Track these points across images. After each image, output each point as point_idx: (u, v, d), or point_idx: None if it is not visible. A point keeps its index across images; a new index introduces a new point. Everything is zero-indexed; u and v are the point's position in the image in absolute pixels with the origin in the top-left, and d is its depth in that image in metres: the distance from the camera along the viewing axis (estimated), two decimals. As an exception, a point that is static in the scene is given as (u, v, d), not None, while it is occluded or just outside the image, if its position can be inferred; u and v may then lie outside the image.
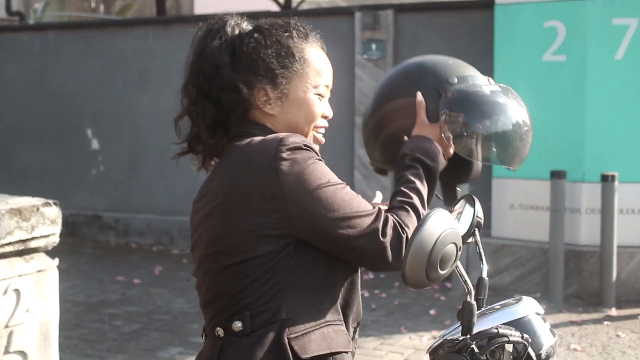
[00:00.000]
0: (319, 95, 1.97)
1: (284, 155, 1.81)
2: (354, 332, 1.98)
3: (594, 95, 6.51)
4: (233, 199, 1.85)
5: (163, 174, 8.58)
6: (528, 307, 1.89)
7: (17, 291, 3.10)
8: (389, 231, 1.82)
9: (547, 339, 1.84)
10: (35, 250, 3.18)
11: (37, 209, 3.13)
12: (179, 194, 8.41)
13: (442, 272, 1.70)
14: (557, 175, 6.29)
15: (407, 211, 1.89)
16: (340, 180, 1.87)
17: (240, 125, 1.94)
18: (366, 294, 6.51)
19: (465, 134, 2.03)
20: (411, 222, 1.87)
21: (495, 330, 1.74)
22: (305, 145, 1.85)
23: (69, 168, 9.19)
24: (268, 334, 1.82)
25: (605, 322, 5.75)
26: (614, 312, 5.95)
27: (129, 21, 10.13)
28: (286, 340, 1.81)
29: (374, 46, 7.62)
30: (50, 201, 3.21)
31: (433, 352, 1.87)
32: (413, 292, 6.68)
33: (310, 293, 1.86)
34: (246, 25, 2.00)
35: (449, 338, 1.81)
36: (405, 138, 2.09)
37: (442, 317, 5.96)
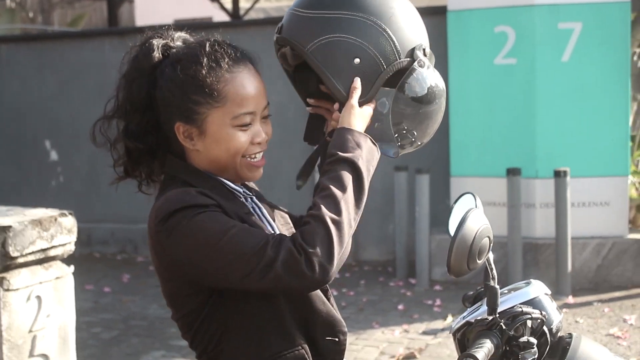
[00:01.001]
0: (241, 126, 1.85)
1: (159, 228, 1.77)
2: (337, 344, 1.92)
3: (543, 96, 6.84)
4: (154, 264, 1.89)
5: (123, 183, 8.69)
6: (538, 289, 2.09)
7: (38, 298, 3.28)
8: (282, 257, 1.68)
9: (556, 316, 2.06)
10: (53, 258, 3.36)
11: (55, 219, 3.31)
12: (140, 202, 8.50)
13: (479, 262, 1.92)
14: (512, 173, 6.57)
15: (312, 225, 1.71)
16: (223, 226, 1.74)
17: (165, 163, 1.93)
18: (335, 292, 6.75)
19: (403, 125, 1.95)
20: (317, 237, 1.69)
21: (520, 309, 1.96)
22: (178, 209, 1.75)
23: (27, 180, 9.22)
24: None
25: (564, 310, 6.08)
26: (570, 299, 6.29)
27: (85, 33, 10.18)
28: None
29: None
30: (66, 212, 3.39)
31: (456, 332, 2.11)
32: (379, 289, 6.96)
33: (253, 331, 1.82)
34: (173, 45, 1.91)
35: (478, 319, 2.02)
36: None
37: (410, 312, 6.22)
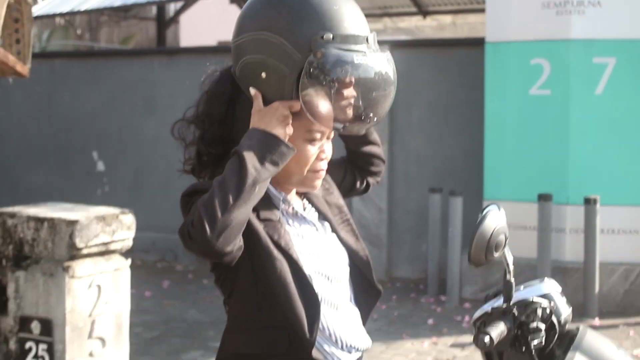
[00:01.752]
0: (311, 140, 2.01)
1: (180, 203, 2.04)
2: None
3: (576, 126, 7.07)
4: None
5: (167, 194, 9.04)
6: (551, 286, 2.33)
7: (98, 286, 3.58)
8: (185, 231, 1.90)
9: (564, 309, 2.28)
10: (113, 251, 3.67)
11: (117, 216, 3.62)
12: (180, 213, 8.87)
13: (496, 255, 2.17)
14: (544, 198, 6.78)
15: (199, 208, 1.88)
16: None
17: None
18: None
19: (317, 103, 1.94)
20: (196, 217, 1.87)
21: (530, 299, 2.21)
22: (189, 192, 2.00)
23: (74, 189, 9.59)
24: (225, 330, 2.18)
25: (589, 332, 6.27)
26: (597, 322, 6.48)
27: (135, 51, 10.57)
28: (224, 337, 2.14)
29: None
30: (126, 210, 3.70)
31: (476, 321, 2.34)
32: (410, 304, 7.19)
33: (247, 302, 2.09)
34: None
35: (494, 306, 2.24)
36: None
37: (440, 326, 6.46)
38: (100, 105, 9.53)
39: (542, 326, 2.12)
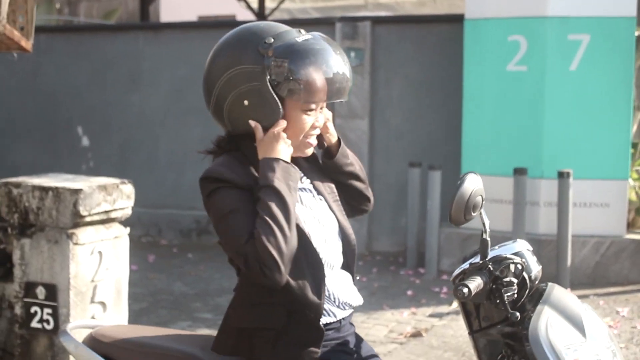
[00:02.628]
0: (308, 111, 2.30)
1: (200, 185, 2.29)
2: (311, 323, 2.30)
3: (551, 102, 7.28)
4: None
5: (151, 170, 9.19)
6: (522, 245, 2.48)
7: (100, 253, 3.76)
8: (250, 261, 2.17)
9: (535, 266, 2.44)
10: (114, 220, 3.85)
11: (117, 186, 3.80)
12: (165, 189, 9.05)
13: (473, 215, 2.35)
14: (519, 172, 6.98)
15: (256, 247, 2.15)
16: (226, 207, 2.22)
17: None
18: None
19: (291, 78, 2.24)
20: (264, 255, 2.14)
21: (504, 256, 2.37)
22: (206, 177, 2.27)
23: (59, 163, 9.67)
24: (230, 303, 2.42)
25: (562, 300, 6.52)
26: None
27: (120, 26, 10.64)
28: (228, 311, 2.39)
29: (352, 54, 8.25)
30: (126, 180, 3.87)
31: (455, 278, 2.47)
32: (390, 277, 7.42)
33: (247, 277, 2.31)
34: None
35: (472, 262, 2.39)
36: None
37: (418, 297, 6.67)
38: (85, 81, 9.61)
39: (515, 280, 2.29)
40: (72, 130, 9.71)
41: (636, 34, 7.34)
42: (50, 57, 9.73)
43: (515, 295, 2.31)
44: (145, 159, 9.31)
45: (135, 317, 6.20)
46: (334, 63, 2.28)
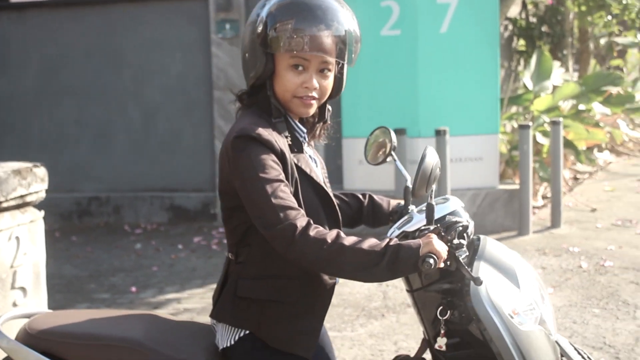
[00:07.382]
0: (293, 65, 2.22)
1: (234, 143, 2.16)
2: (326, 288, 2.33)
3: (424, 64, 7.60)
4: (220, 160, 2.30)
5: (25, 153, 8.97)
6: (456, 203, 2.55)
7: (17, 238, 3.72)
8: (287, 228, 2.08)
9: (471, 223, 2.47)
10: (29, 204, 3.81)
11: (31, 170, 3.76)
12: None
13: (433, 187, 2.36)
14: (398, 133, 7.24)
15: (326, 234, 2.09)
16: (269, 174, 2.13)
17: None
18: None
19: (268, 27, 2.23)
20: (318, 243, 2.07)
21: (453, 219, 2.40)
22: (246, 136, 2.15)
23: None
24: (234, 273, 2.32)
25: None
26: (451, 243, 7.09)
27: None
28: (236, 281, 2.29)
29: (227, 26, 8.21)
30: (38, 163, 3.84)
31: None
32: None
33: (263, 252, 2.24)
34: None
35: (420, 227, 2.39)
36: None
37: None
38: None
39: (464, 242, 2.32)
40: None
41: (499, -5, 7.73)
42: None
43: (467, 254, 2.33)
44: (18, 142, 9.07)
45: (31, 302, 6.13)
46: (314, 16, 2.20)
